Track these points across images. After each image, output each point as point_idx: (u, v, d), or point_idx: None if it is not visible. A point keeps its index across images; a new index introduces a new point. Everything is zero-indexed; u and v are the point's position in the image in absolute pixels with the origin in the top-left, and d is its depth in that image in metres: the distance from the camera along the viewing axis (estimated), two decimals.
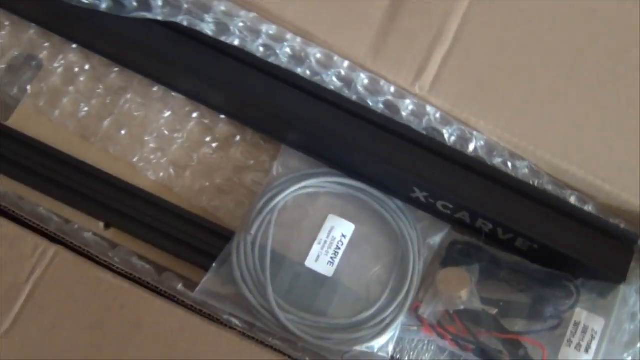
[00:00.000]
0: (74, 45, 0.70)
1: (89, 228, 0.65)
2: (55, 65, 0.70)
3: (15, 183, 0.67)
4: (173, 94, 0.69)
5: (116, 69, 0.70)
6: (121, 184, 0.67)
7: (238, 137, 0.68)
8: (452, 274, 0.63)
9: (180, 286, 0.63)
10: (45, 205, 0.66)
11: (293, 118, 0.66)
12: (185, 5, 0.65)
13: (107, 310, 0.56)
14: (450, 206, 0.64)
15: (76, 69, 0.70)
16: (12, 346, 0.56)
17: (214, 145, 0.68)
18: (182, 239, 0.66)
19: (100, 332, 0.56)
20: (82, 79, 0.70)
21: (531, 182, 0.64)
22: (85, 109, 0.69)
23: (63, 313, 0.57)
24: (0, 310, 0.56)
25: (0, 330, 0.56)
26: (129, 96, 0.69)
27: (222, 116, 0.69)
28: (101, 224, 0.66)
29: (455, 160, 0.64)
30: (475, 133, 0.64)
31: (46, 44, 0.70)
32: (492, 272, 0.63)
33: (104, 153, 0.68)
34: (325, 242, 0.64)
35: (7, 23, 0.71)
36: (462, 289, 0.61)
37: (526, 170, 0.64)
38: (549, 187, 0.64)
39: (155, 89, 0.69)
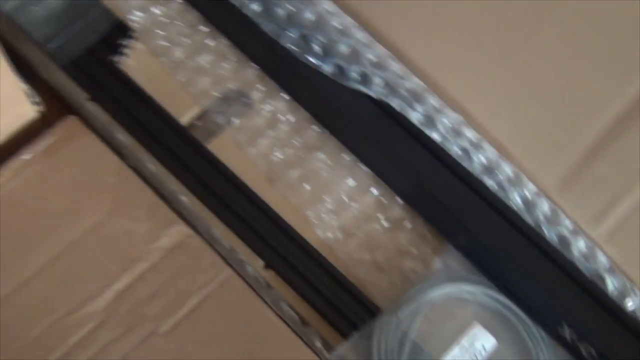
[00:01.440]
0: (286, 96, 0.75)
1: (251, 263, 0.69)
2: (264, 108, 0.75)
3: (197, 202, 0.71)
4: (361, 166, 0.73)
5: (316, 128, 0.74)
6: (291, 232, 0.71)
7: (408, 224, 0.71)
8: None
9: (318, 343, 0.65)
10: (218, 229, 0.70)
11: (468, 224, 0.68)
12: (402, 92, 0.70)
13: (260, 344, 0.59)
14: (594, 354, 0.65)
15: (281, 117, 0.75)
16: (167, 348, 0.59)
17: (384, 224, 0.71)
18: (331, 301, 0.68)
19: None
20: (283, 127, 0.75)
21: None
22: (279, 155, 0.74)
23: (219, 333, 0.60)
24: (166, 311, 0.60)
25: (160, 330, 0.59)
26: (320, 155, 0.73)
27: (400, 200, 0.72)
28: (262, 263, 0.69)
29: (612, 311, 0.65)
30: (638, 292, 0.65)
31: (261, 87, 0.76)
32: None
33: (283, 200, 0.72)
34: (466, 348, 0.66)
35: (234, 59, 0.77)
36: None
37: None
38: None
39: (346, 156, 0.73)
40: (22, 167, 0.63)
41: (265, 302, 0.64)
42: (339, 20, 0.72)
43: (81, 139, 0.65)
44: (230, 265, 0.66)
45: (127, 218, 0.62)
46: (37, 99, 0.68)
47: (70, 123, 0.66)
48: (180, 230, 0.63)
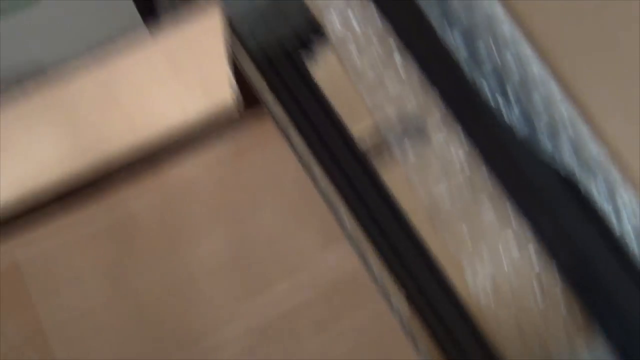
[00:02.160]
0: (467, 146, 0.74)
1: (396, 297, 0.68)
2: (441, 153, 0.74)
3: (356, 224, 0.71)
4: (528, 232, 0.71)
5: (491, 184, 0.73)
6: (440, 275, 0.70)
7: (563, 303, 0.69)
8: None
9: None
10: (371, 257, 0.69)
11: (629, 324, 0.66)
12: (599, 181, 0.68)
13: None
14: None
15: (457, 167, 0.74)
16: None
17: (537, 293, 0.70)
18: (466, 353, 0.67)
19: None
20: (458, 177, 0.73)
21: None
22: (448, 203, 0.73)
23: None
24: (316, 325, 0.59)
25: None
26: (490, 216, 0.72)
27: (560, 276, 0.70)
28: (405, 298, 0.69)
29: None
30: None
31: (443, 130, 0.75)
32: None
33: (441, 244, 0.71)
34: None
35: (423, 98, 0.76)
36: None
37: None
38: None
39: (514, 217, 0.72)
40: (213, 163, 0.65)
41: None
42: (545, 89, 0.70)
43: (270, 142, 0.66)
44: None
45: (298, 226, 0.63)
46: (235, 86, 0.69)
47: (262, 124, 0.67)
48: (344, 249, 0.63)
